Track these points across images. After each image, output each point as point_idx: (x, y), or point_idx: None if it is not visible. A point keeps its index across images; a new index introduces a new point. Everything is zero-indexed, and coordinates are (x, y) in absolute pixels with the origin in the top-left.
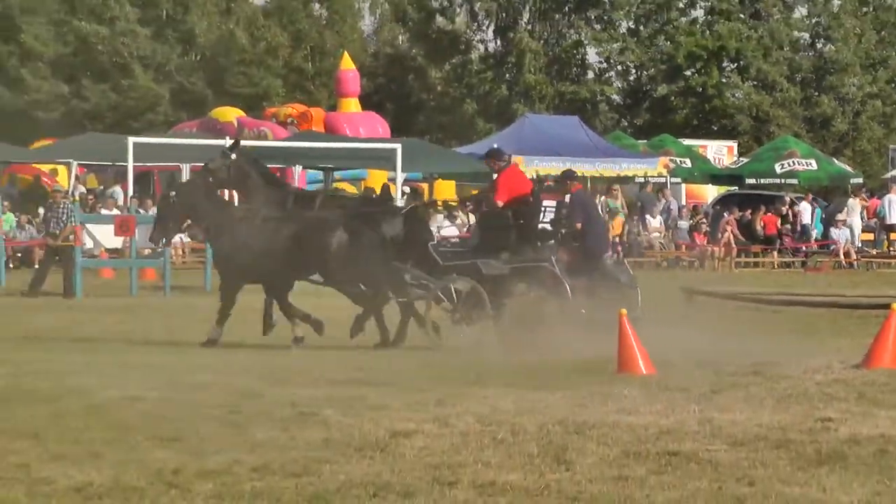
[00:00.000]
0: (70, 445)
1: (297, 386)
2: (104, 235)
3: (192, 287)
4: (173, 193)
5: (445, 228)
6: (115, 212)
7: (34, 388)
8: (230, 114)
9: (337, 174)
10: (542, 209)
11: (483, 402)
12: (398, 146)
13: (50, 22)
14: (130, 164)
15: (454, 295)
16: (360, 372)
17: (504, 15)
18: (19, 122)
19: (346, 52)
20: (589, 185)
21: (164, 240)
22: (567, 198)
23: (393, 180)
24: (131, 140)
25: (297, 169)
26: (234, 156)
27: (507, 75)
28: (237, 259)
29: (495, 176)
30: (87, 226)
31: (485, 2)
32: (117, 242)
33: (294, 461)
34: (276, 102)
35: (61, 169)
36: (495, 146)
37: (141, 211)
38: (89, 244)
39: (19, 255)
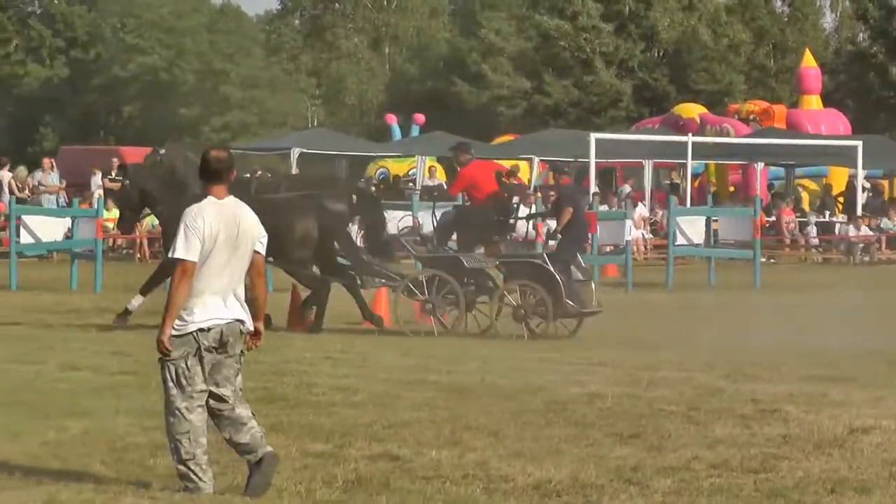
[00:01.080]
0: (529, 443)
1: (758, 382)
2: None
3: (653, 283)
4: (127, 182)
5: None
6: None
7: (497, 385)
8: (693, 110)
9: (798, 171)
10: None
11: None
12: (859, 143)
13: (511, 17)
14: (592, 160)
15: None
16: (827, 368)
17: None
18: (480, 118)
19: (807, 49)
20: None
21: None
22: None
23: (854, 177)
24: (593, 136)
25: (759, 166)
26: (162, 151)
27: None
28: None
29: (458, 168)
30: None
31: None
32: None
33: (752, 457)
34: (739, 99)
35: (523, 165)
36: (463, 140)
37: (604, 207)
38: None
39: None
